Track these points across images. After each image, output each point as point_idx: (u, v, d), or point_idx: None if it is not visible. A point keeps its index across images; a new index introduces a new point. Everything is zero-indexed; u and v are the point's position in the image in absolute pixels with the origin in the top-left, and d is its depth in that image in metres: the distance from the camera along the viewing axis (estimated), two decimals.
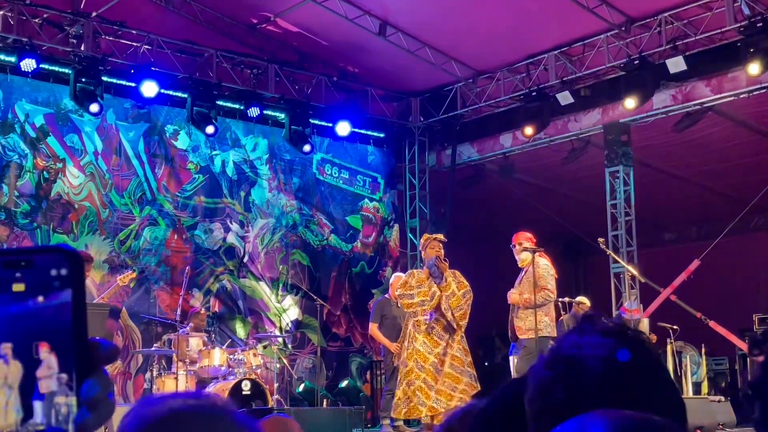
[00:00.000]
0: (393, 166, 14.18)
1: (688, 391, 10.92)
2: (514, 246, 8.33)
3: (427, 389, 7.81)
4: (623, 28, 11.23)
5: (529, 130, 12.20)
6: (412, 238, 13.92)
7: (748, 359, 10.29)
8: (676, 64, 10.68)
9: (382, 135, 13.93)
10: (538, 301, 8.03)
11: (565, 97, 11.80)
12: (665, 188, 14.26)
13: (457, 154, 13.74)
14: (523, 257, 8.23)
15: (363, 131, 13.60)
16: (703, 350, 12.14)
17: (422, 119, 13.85)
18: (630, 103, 11.21)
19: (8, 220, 10.35)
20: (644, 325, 10.67)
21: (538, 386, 1.09)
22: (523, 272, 8.28)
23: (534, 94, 11.98)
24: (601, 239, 10.39)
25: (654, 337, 10.65)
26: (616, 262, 11.38)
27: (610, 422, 0.86)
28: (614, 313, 11.65)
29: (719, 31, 10.60)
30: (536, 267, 8.08)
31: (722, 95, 11.20)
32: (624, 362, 1.06)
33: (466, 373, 7.96)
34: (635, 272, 11.04)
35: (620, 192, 12.06)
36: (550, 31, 11.55)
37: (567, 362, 1.08)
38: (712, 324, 9.98)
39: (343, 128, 12.89)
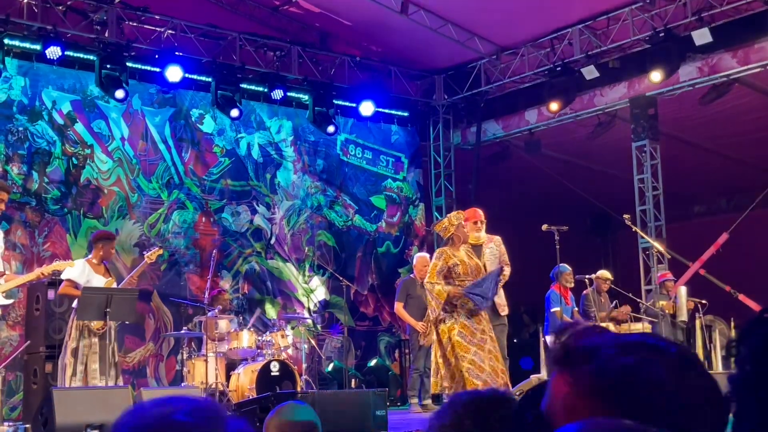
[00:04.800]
0: (417, 144, 14.15)
1: (717, 364, 10.86)
2: (477, 222, 8.00)
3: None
4: (648, 1, 11.10)
5: (554, 106, 12.13)
6: (438, 216, 13.91)
7: None
8: (702, 36, 10.55)
9: (406, 114, 13.90)
10: (505, 277, 7.97)
11: (590, 72, 11.71)
12: (694, 161, 14.12)
13: (482, 131, 13.70)
14: (482, 234, 8.01)
15: (387, 111, 13.58)
16: (732, 324, 12.06)
17: (446, 97, 13.79)
18: (656, 76, 11.10)
19: (39, 206, 10.48)
20: (682, 294, 10.54)
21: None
22: (485, 249, 8.05)
23: (559, 69, 11.90)
24: (626, 215, 10.33)
25: (691, 304, 10.57)
26: (643, 237, 11.32)
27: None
28: (644, 285, 11.60)
29: (745, 1, 10.43)
30: (499, 244, 8.04)
31: (749, 66, 11.06)
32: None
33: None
34: (661, 247, 10.98)
35: (647, 166, 11.97)
36: (575, 4, 11.43)
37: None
38: (741, 297, 9.92)
39: (367, 108, 12.88)
